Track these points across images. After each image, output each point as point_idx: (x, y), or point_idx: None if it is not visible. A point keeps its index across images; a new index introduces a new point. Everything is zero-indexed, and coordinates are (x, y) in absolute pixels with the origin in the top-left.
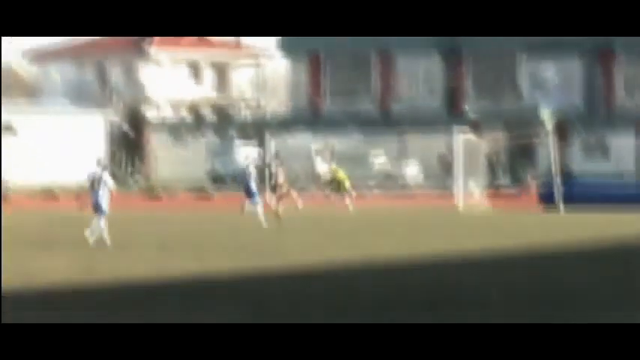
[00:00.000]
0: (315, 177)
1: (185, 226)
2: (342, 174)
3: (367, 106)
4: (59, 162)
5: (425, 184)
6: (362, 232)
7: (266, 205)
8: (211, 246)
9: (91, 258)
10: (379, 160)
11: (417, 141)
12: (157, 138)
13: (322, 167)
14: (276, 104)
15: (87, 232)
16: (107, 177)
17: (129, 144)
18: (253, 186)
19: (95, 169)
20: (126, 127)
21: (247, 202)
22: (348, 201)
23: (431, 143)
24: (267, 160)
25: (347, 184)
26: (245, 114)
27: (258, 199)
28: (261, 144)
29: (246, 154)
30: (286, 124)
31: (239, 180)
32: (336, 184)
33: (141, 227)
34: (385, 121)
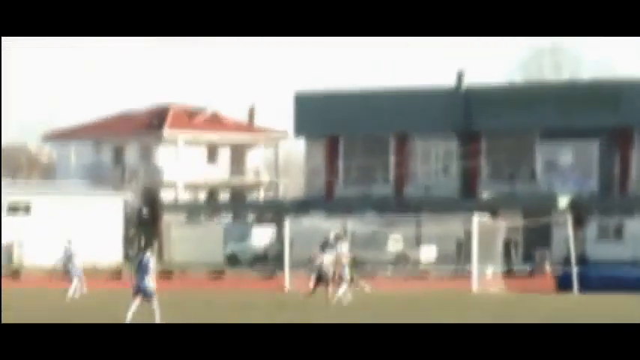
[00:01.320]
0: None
1: (205, 308)
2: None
3: (383, 188)
4: (76, 243)
5: (441, 268)
6: (381, 314)
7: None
8: None
9: None
10: (395, 243)
11: (433, 224)
12: (173, 220)
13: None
14: (292, 186)
15: (128, 315)
16: (151, 260)
17: (145, 226)
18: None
19: (144, 254)
20: (142, 208)
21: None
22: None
23: (447, 226)
24: (329, 240)
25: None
26: (261, 196)
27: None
28: (278, 226)
29: (335, 235)
30: (302, 206)
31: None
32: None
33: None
34: (401, 203)
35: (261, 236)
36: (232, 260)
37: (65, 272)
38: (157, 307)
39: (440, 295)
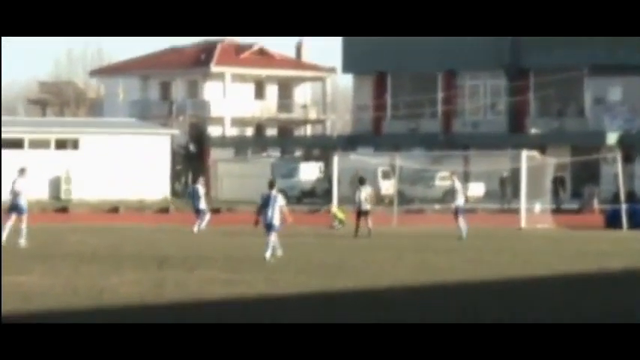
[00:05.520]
0: (378, 195)
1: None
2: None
3: (431, 125)
4: (123, 178)
5: (488, 204)
6: (427, 250)
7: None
8: (285, 265)
9: (160, 275)
10: (443, 180)
11: (481, 160)
12: (220, 156)
13: (385, 184)
14: (340, 122)
15: (266, 253)
16: (279, 196)
17: (192, 162)
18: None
19: (268, 190)
20: (189, 144)
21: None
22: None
23: (495, 163)
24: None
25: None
26: (308, 131)
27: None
28: (325, 162)
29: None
30: (350, 142)
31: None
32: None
33: (209, 245)
34: (449, 140)
35: (309, 172)
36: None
37: (196, 211)
38: (277, 242)
39: (489, 230)
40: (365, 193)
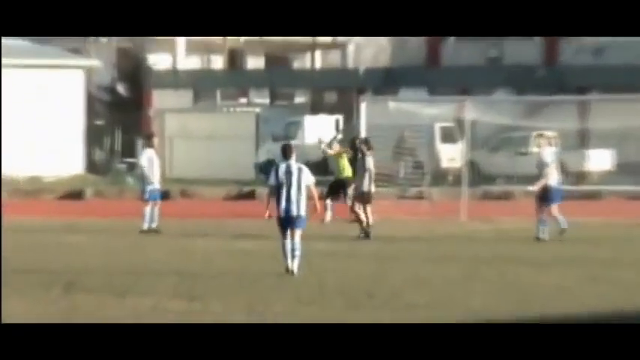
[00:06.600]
0: (435, 165)
1: (219, 251)
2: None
3: (523, 50)
4: (6, 142)
5: (621, 185)
6: (515, 261)
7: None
8: (278, 284)
9: (68, 304)
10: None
11: (607, 112)
12: (169, 104)
13: (446, 150)
14: (369, 47)
15: (293, 265)
16: (304, 170)
17: (122, 113)
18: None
19: (283, 160)
20: (118, 84)
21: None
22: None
23: (632, 116)
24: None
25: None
26: (317, 62)
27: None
28: (346, 113)
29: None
30: (387, 80)
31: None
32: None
33: (151, 253)
34: (553, 76)
35: (319, 130)
36: (269, 171)
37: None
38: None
39: (624, 228)
40: (372, 162)
